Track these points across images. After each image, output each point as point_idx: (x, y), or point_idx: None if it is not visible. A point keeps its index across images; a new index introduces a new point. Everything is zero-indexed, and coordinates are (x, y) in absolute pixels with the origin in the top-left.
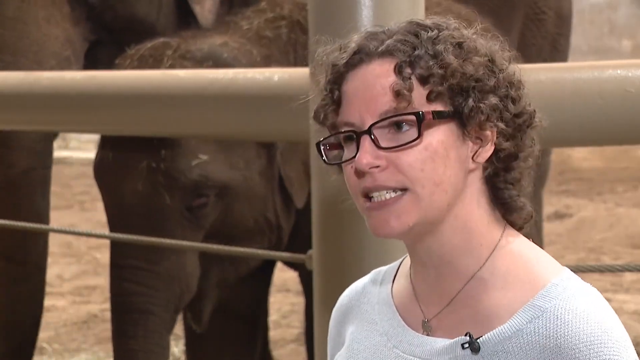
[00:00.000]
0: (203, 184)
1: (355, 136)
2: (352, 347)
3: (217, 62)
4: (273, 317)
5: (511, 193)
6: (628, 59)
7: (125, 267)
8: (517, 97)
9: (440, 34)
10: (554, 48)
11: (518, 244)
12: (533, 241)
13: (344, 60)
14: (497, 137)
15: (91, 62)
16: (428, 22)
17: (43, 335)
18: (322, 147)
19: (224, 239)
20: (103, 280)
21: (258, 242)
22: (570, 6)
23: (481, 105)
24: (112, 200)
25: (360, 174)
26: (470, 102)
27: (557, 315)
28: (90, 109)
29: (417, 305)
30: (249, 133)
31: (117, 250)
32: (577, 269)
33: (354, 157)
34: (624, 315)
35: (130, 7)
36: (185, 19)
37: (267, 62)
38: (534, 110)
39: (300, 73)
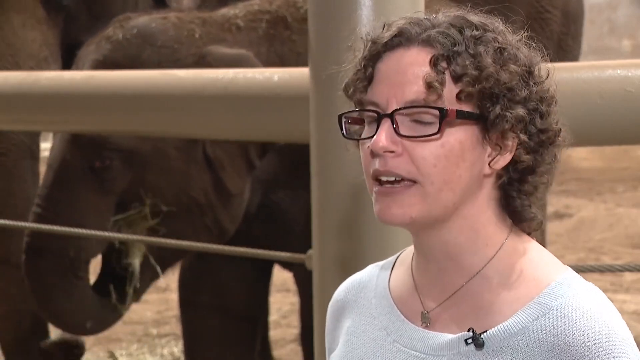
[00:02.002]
0: (101, 145)
1: (377, 117)
2: (350, 341)
3: (141, 30)
4: (273, 317)
5: (523, 203)
6: (628, 59)
7: (36, 208)
8: (546, 113)
9: (484, 35)
10: (560, 48)
11: (523, 244)
12: (537, 241)
13: (384, 40)
14: (517, 149)
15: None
16: (475, 19)
17: None
18: (343, 120)
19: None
20: None
21: (186, 221)
22: (579, 5)
23: (507, 114)
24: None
25: (374, 155)
26: (498, 109)
27: (564, 314)
28: (90, 109)
29: (416, 297)
30: (249, 133)
31: (38, 191)
32: (577, 269)
33: (372, 136)
34: (624, 315)
35: (106, 8)
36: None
37: (214, 43)
38: (560, 129)
39: (300, 73)
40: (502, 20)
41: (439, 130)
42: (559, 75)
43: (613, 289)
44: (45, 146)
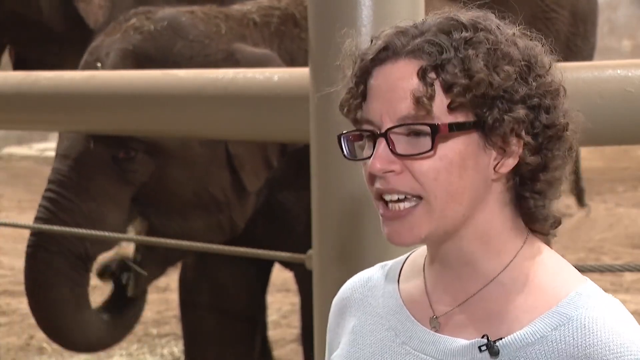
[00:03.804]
0: (127, 136)
1: (373, 137)
2: (356, 341)
3: (172, 23)
4: (273, 317)
5: (537, 203)
6: (628, 59)
7: (50, 193)
8: (552, 106)
9: (475, 35)
10: (568, 48)
11: (540, 251)
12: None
13: (371, 56)
14: (522, 149)
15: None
16: (465, 19)
17: (43, 335)
18: (343, 140)
19: (163, 205)
20: None
21: (202, 218)
22: (590, 5)
23: (506, 117)
24: (57, 144)
25: (373, 177)
26: (495, 113)
27: (584, 325)
28: (90, 109)
29: (426, 301)
30: (249, 133)
31: (52, 175)
32: (577, 269)
33: (369, 157)
34: None
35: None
36: (76, 13)
37: (237, 39)
38: (567, 123)
39: (300, 73)
40: (496, 15)
41: (433, 147)
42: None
43: (613, 289)
44: (45, 146)
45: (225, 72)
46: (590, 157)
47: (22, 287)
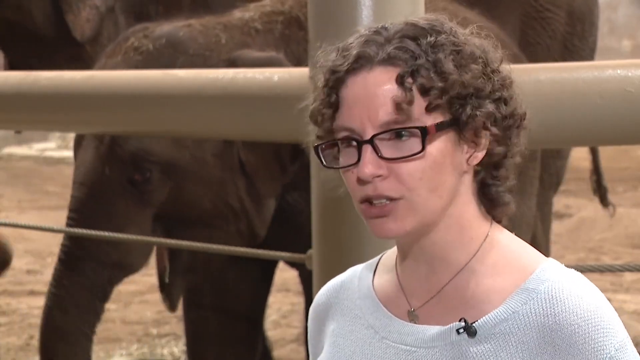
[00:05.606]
0: (142, 158)
1: (356, 144)
2: (336, 343)
3: (170, 39)
4: (273, 317)
5: (498, 189)
6: (628, 59)
7: (72, 222)
8: (509, 97)
9: (438, 38)
10: (565, 48)
11: (504, 236)
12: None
13: (345, 67)
14: (490, 141)
15: None
16: (424, 23)
17: None
18: (319, 149)
19: (182, 221)
20: None
21: (221, 228)
22: (587, 4)
23: (478, 112)
24: (74, 172)
25: (362, 182)
26: (468, 110)
27: (552, 295)
28: (90, 109)
29: (402, 296)
30: (248, 133)
31: (71, 207)
32: (577, 269)
33: (355, 164)
34: (624, 315)
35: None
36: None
37: (239, 48)
38: (524, 113)
39: (300, 73)
40: (447, 17)
41: (423, 148)
42: (559, 75)
43: (613, 289)
44: (45, 146)
45: (225, 72)
46: (590, 157)
47: (22, 287)
